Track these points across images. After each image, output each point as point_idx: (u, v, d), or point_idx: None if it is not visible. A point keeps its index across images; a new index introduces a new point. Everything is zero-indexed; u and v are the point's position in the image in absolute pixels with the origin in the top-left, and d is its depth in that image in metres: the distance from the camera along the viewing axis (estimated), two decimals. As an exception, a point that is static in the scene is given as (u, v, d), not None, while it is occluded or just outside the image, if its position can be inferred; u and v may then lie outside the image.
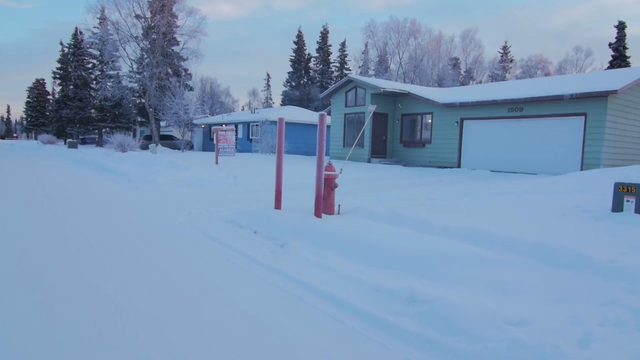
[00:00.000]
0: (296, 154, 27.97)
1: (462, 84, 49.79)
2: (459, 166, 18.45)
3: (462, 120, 18.38)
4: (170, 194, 10.12)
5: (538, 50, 78.50)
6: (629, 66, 43.67)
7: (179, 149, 29.82)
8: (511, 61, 54.63)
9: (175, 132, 38.66)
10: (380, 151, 21.24)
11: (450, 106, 18.42)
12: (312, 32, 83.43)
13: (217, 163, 15.23)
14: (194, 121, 30.83)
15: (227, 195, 10.16)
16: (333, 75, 60.74)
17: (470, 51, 50.59)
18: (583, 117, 14.60)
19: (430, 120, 19.83)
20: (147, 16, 33.47)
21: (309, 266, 4.47)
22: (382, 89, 19.38)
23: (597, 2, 67.68)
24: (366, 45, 58.75)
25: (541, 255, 4.19)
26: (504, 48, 55.23)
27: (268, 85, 75.69)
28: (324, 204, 6.73)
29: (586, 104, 14.44)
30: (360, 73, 53.91)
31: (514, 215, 5.96)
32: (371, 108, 8.88)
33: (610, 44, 47.25)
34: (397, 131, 21.41)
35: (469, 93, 19.48)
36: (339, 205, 6.90)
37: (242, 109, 75.20)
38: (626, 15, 74.72)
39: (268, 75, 75.71)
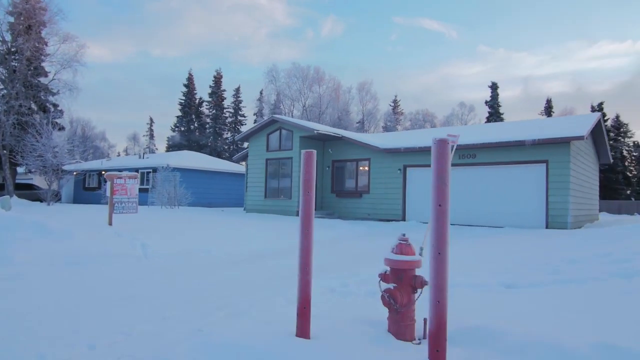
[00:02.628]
0: (198, 205, 23.61)
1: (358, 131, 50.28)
2: (403, 218, 16.28)
3: (405, 167, 16.46)
4: (35, 291, 5.72)
5: (424, 105, 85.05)
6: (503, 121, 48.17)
7: (41, 201, 23.27)
8: (402, 114, 57.28)
9: (37, 180, 31.15)
10: (309, 203, 18.27)
11: (393, 152, 16.44)
12: (201, 79, 79.76)
13: (110, 224, 10.69)
14: (65, 167, 24.64)
15: (148, 284, 6.11)
16: (227, 121, 57.33)
17: (366, 102, 51.71)
18: (544, 164, 13.51)
19: (367, 168, 17.60)
20: (6, 39, 26.93)
21: None
22: (315, 131, 16.73)
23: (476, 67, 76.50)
24: (261, 93, 56.98)
25: None
26: (395, 102, 57.88)
27: (151, 130, 69.11)
28: (395, 318, 3.47)
29: (548, 150, 13.42)
30: (255, 121, 51.48)
31: None
32: (453, 139, 5.92)
33: (486, 102, 52.16)
34: (327, 180, 18.77)
35: (411, 138, 17.82)
36: (425, 321, 3.52)
37: (119, 155, 66.94)
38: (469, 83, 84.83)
39: (151, 119, 69.57)
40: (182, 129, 56.34)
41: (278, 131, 18.57)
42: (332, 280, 5.86)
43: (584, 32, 71.70)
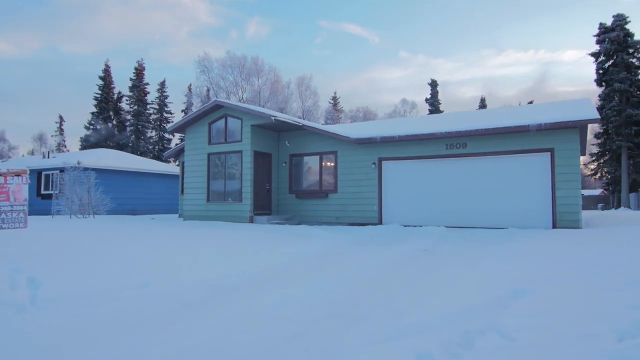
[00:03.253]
0: (120, 213, 19.40)
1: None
2: (380, 221, 13.69)
3: (381, 161, 13.88)
4: None
5: (366, 102, 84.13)
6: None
7: None
8: (342, 111, 55.38)
9: None
10: (264, 205, 15.09)
11: (366, 143, 13.79)
12: (120, 76, 72.52)
13: (-20, 247, 6.88)
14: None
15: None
16: (151, 118, 51.73)
17: (306, 98, 49.01)
18: (548, 153, 11.58)
19: (333, 163, 14.80)
20: None
21: None
22: (273, 118, 13.58)
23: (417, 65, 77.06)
24: (189, 89, 52.14)
25: None
26: (334, 99, 55.84)
27: (61, 130, 61.22)
28: None
29: (553, 136, 11.49)
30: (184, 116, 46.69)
31: None
32: None
33: (426, 99, 51.80)
34: (284, 178, 15.70)
35: (386, 127, 15.29)
36: None
37: (23, 156, 58.39)
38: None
39: (61, 118, 61.44)
40: (98, 127, 49.86)
41: (223, 119, 15.16)
42: (395, 347, 2.97)
43: (493, 41, 76.01)
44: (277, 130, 15.49)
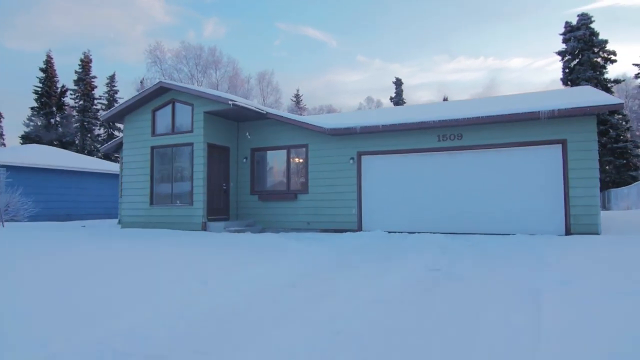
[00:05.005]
0: (49, 218, 16.37)
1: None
2: (360, 227, 11.56)
3: (360, 155, 11.76)
4: None
5: (329, 101, 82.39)
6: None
7: None
8: (305, 109, 53.16)
9: None
10: (220, 209, 12.62)
11: (343, 134, 11.63)
12: (65, 72, 67.07)
13: None
14: None
15: None
16: (99, 114, 47.56)
17: (268, 95, 46.44)
18: (560, 146, 9.82)
19: (303, 159, 12.55)
20: None
21: None
22: (231, 103, 11.15)
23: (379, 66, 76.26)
24: (141, 82, 48.34)
25: None
26: (297, 96, 53.58)
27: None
28: None
29: (565, 126, 9.74)
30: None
31: None
32: None
33: (391, 98, 50.48)
34: (244, 176, 13.29)
35: (364, 117, 13.20)
36: None
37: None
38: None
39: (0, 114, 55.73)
40: (39, 123, 45.27)
41: (170, 105, 12.58)
42: None
43: (446, 47, 77.51)
44: (237, 119, 13.07)
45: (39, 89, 45.78)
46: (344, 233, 11.04)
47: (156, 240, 8.74)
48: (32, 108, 45.42)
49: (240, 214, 13.16)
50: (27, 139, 44.83)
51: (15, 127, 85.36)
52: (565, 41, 34.98)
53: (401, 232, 10.85)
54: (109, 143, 15.57)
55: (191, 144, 12.03)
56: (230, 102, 11.07)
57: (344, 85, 75.81)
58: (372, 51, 77.97)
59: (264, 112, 12.30)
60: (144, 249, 7.27)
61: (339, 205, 11.84)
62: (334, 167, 11.98)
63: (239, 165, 13.32)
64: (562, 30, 35.08)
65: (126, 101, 12.82)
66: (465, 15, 72.16)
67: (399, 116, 11.76)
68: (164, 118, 12.68)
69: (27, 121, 45.80)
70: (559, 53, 35.22)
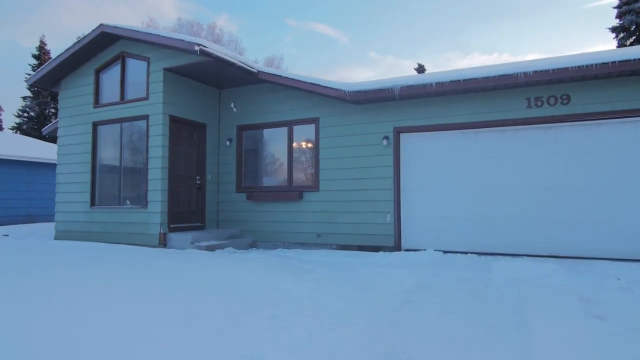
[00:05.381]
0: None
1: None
2: (398, 243, 7.50)
3: (398, 133, 7.69)
4: None
5: None
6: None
7: None
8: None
9: None
10: (191, 214, 8.66)
11: (372, 99, 7.59)
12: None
13: None
14: None
15: None
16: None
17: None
18: None
19: (312, 140, 8.52)
20: None
21: None
22: (196, 48, 7.12)
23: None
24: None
25: None
26: (309, 85, 49.50)
27: (-4, 119, 52.66)
28: None
29: None
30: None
31: None
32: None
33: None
34: (229, 165, 9.30)
35: (404, 79, 9.08)
36: None
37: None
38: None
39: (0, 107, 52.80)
40: (32, 114, 42.13)
41: (119, 62, 8.65)
42: None
43: (459, 44, 74.68)
44: (217, 85, 9.10)
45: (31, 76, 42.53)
46: (376, 253, 7.02)
47: (111, 263, 4.79)
48: (23, 98, 42.20)
49: (222, 220, 9.19)
50: (20, 130, 41.78)
51: (8, 121, 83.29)
52: (619, 16, 30.30)
53: (465, 253, 6.81)
54: (53, 122, 11.72)
55: (146, 117, 8.09)
56: (196, 48, 7.06)
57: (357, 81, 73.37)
58: (384, 48, 75.32)
59: (254, 70, 8.27)
60: (98, 286, 3.29)
61: (366, 209, 7.78)
62: (357, 152, 7.93)
63: (220, 150, 9.35)
64: (617, 2, 30.40)
65: (59, 56, 8.92)
66: (478, 10, 69.33)
67: (455, 76, 7.61)
68: (111, 81, 8.76)
69: (20, 112, 42.70)
70: (612, 29, 30.54)
